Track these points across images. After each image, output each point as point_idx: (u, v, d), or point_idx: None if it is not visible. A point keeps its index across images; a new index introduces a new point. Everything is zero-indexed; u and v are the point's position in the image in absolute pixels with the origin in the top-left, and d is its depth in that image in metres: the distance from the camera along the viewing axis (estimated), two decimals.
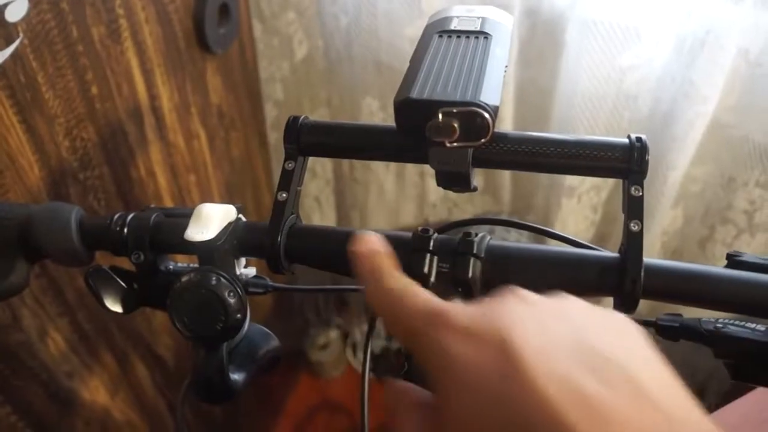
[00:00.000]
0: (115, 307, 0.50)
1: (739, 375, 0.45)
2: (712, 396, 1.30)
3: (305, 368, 1.61)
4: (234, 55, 0.99)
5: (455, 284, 0.43)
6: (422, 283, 0.43)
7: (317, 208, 1.42)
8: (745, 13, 0.87)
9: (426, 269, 0.43)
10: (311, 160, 0.50)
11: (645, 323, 0.49)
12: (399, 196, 1.29)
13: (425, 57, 0.43)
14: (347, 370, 1.62)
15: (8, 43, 0.60)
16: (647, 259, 0.42)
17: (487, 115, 0.37)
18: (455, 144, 0.38)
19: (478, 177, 0.46)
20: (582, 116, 1.06)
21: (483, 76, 0.40)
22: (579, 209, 1.17)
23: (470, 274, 0.42)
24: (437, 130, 0.38)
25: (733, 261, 0.45)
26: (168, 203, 0.90)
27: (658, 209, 1.12)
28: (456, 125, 0.37)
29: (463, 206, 1.28)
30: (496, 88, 0.39)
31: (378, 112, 1.18)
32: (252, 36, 1.06)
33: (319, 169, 1.39)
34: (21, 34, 0.61)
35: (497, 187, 1.25)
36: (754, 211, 1.09)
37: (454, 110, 0.37)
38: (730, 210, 1.11)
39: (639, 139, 0.43)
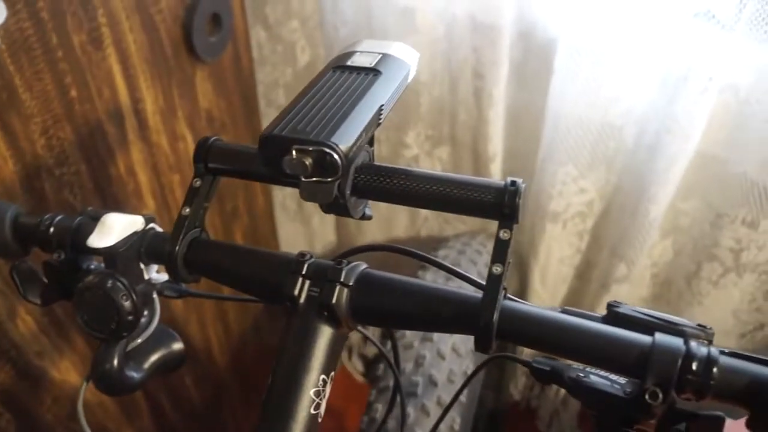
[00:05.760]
0: (35, 299, 0.54)
1: (601, 427, 0.44)
2: None
3: None
4: (227, 62, 1.03)
5: (321, 308, 0.45)
6: (292, 304, 0.46)
7: (317, 211, 1.45)
8: (733, 49, 0.86)
9: (296, 291, 0.46)
10: None
11: (522, 363, 0.51)
12: (392, 207, 1.31)
13: (308, 93, 0.45)
14: (340, 371, 1.66)
15: None
16: (506, 302, 0.43)
17: (336, 156, 0.40)
18: (312, 179, 0.41)
19: None
20: (567, 142, 1.07)
21: (346, 117, 0.42)
22: (564, 236, 1.17)
23: (334, 300, 0.45)
24: (291, 165, 0.40)
25: (611, 312, 0.45)
26: (149, 201, 0.94)
27: (646, 240, 1.11)
28: (308, 162, 0.40)
29: (454, 223, 1.29)
30: (354, 129, 0.42)
31: None
32: (248, 43, 1.10)
33: None
34: None
35: None
36: (740, 250, 1.07)
37: (310, 148, 0.40)
38: (716, 247, 1.09)
39: (513, 183, 0.44)
